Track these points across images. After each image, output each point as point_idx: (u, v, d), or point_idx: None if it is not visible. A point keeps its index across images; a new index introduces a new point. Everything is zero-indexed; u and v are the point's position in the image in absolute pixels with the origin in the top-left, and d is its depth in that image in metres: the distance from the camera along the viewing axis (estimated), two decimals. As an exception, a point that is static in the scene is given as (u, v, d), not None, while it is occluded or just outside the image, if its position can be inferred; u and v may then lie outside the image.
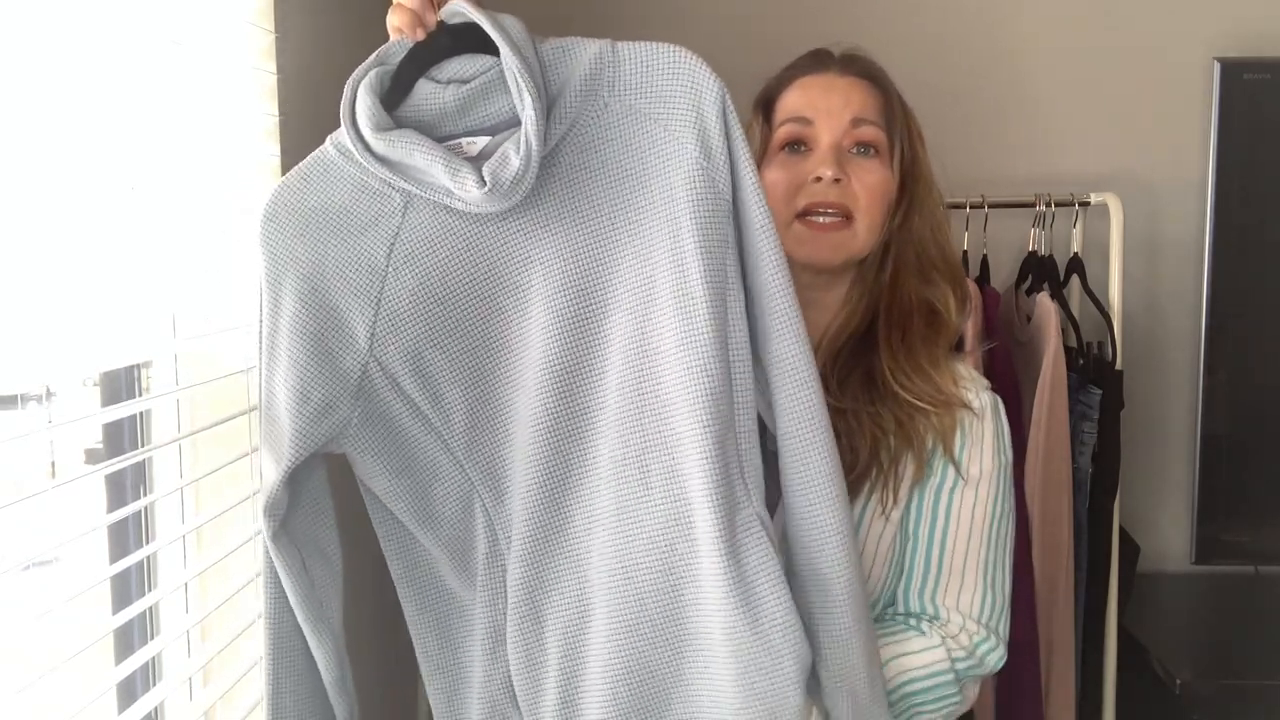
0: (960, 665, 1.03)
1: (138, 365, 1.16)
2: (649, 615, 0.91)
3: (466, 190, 0.84)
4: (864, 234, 1.08)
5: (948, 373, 1.08)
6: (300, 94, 1.29)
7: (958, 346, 1.15)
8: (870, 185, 1.07)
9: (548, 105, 0.86)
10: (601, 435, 0.90)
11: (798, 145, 1.10)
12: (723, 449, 0.86)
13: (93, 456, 1.12)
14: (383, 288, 0.91)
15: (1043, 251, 1.79)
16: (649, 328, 0.88)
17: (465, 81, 0.89)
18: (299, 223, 0.91)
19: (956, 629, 1.04)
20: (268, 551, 0.96)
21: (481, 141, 0.89)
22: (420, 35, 0.89)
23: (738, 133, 0.87)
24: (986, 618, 1.05)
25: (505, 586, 0.96)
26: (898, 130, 1.10)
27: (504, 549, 0.96)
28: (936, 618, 1.05)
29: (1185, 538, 1.94)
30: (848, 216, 1.07)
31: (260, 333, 0.93)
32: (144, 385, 1.17)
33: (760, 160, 1.11)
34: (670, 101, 0.87)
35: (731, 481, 0.87)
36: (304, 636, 0.97)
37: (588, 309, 0.89)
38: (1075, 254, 1.79)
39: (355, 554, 1.01)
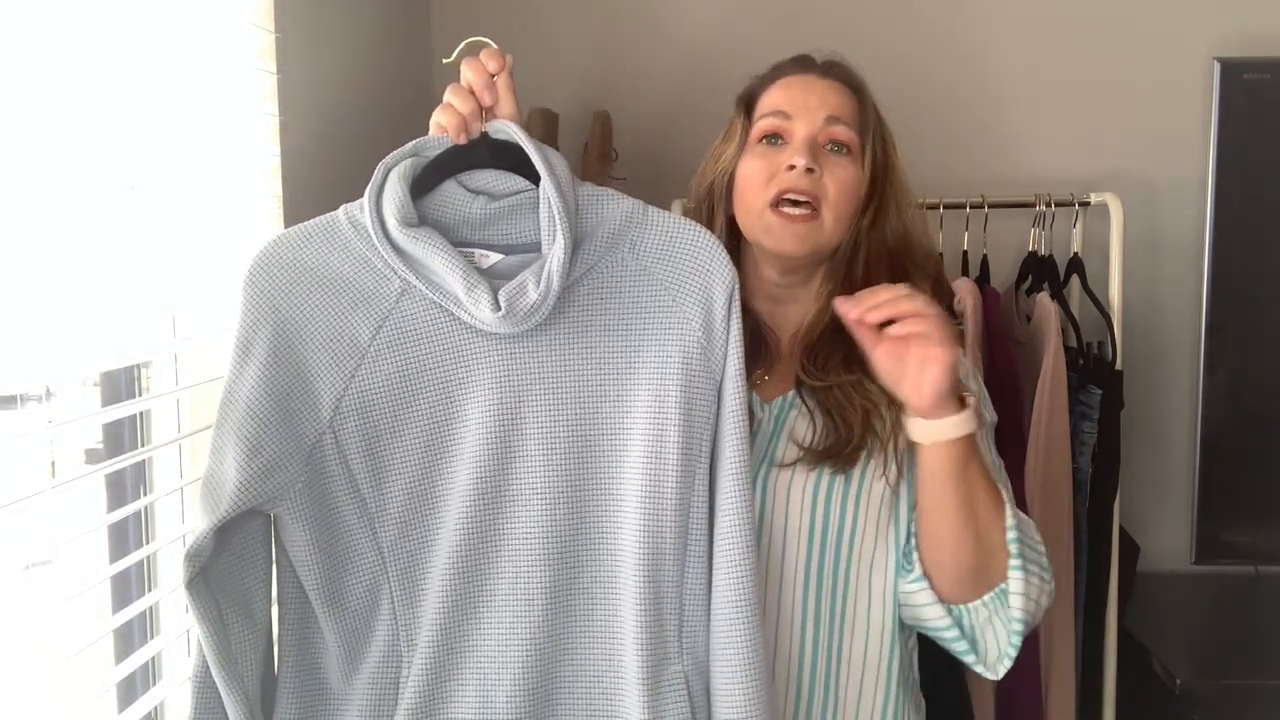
0: (1047, 575, 1.08)
1: (138, 365, 1.16)
2: None
3: (480, 309, 0.88)
4: (830, 226, 1.11)
5: None
6: (300, 94, 1.29)
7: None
8: (840, 180, 1.10)
9: (573, 247, 0.90)
10: (537, 563, 0.93)
11: (775, 138, 1.14)
12: (659, 604, 0.92)
13: (93, 456, 1.12)
14: (359, 365, 0.92)
15: (1043, 251, 1.79)
16: (616, 474, 0.93)
17: (494, 197, 0.93)
18: (289, 278, 0.92)
19: (1032, 541, 1.07)
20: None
21: (495, 257, 0.93)
22: (462, 140, 0.93)
23: (736, 321, 0.94)
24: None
25: (398, 689, 0.94)
26: (870, 135, 1.14)
27: (403, 650, 0.95)
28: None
29: (1185, 538, 1.94)
30: (816, 208, 1.10)
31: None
32: (144, 385, 1.18)
33: (739, 153, 1.15)
34: (683, 273, 0.94)
35: (665, 635, 0.93)
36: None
37: (551, 438, 0.93)
38: (1075, 254, 1.79)
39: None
